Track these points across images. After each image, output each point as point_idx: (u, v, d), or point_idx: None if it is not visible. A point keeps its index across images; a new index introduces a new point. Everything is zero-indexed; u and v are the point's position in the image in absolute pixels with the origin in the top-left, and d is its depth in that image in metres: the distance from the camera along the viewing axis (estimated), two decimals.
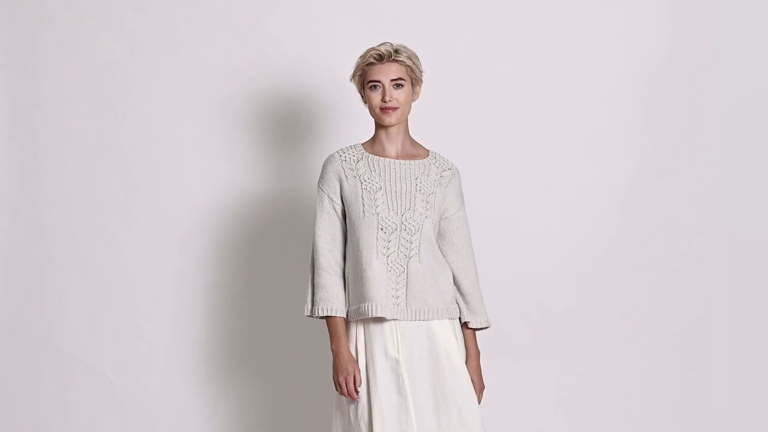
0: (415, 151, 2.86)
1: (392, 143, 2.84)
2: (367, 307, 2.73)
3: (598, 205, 3.86)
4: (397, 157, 2.83)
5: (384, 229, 2.77)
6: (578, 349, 3.89)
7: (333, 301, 2.79)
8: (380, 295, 2.74)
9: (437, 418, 2.74)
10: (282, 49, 3.86)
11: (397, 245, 2.77)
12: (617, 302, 3.89)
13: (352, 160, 2.84)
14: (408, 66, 2.77)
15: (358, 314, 2.77)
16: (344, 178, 2.83)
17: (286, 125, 3.86)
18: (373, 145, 2.87)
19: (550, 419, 3.91)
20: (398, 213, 2.77)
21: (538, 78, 3.83)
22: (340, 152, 2.87)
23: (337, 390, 2.78)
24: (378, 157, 2.83)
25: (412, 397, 2.72)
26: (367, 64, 2.78)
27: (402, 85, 2.77)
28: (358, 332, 2.80)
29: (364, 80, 2.80)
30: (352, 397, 2.75)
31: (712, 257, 3.87)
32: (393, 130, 2.83)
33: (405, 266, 2.77)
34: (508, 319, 3.89)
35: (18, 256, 4.05)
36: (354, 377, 2.75)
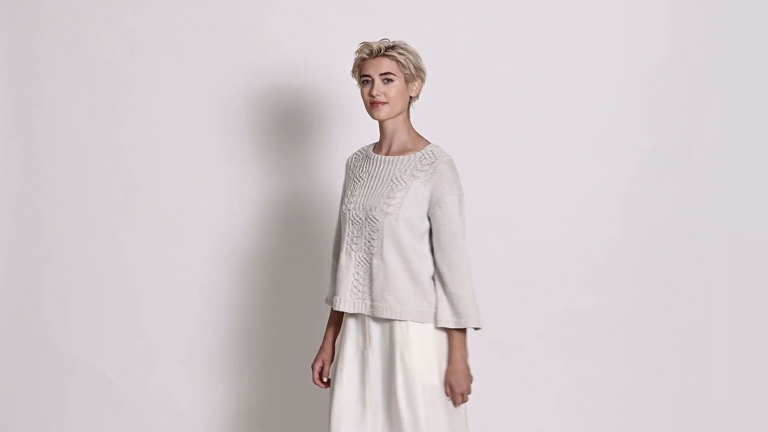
0: (411, 146, 2.82)
1: (386, 139, 2.84)
2: (334, 299, 2.83)
3: (598, 205, 3.86)
4: (388, 154, 2.83)
5: (354, 225, 2.80)
6: (578, 349, 3.89)
7: (329, 290, 2.95)
8: (344, 289, 2.81)
9: (389, 418, 2.76)
10: (282, 49, 3.85)
11: (363, 241, 2.79)
12: (617, 302, 3.89)
13: (358, 158, 2.90)
14: (399, 61, 2.76)
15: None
16: (348, 175, 2.92)
17: (286, 125, 3.86)
18: (377, 142, 2.90)
19: (550, 419, 3.91)
20: (366, 210, 2.78)
21: (538, 78, 3.83)
22: (357, 150, 2.94)
23: None
24: (374, 154, 2.85)
25: (371, 391, 2.78)
26: (361, 59, 2.79)
27: (392, 80, 2.76)
28: (342, 322, 2.91)
29: (356, 73, 2.82)
30: (317, 384, 2.95)
31: (712, 257, 3.87)
32: (386, 126, 2.82)
33: (369, 263, 2.77)
34: (508, 319, 3.89)
35: (18, 256, 4.05)
36: (322, 367, 2.94)
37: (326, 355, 2.95)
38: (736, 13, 3.77)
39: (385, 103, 2.76)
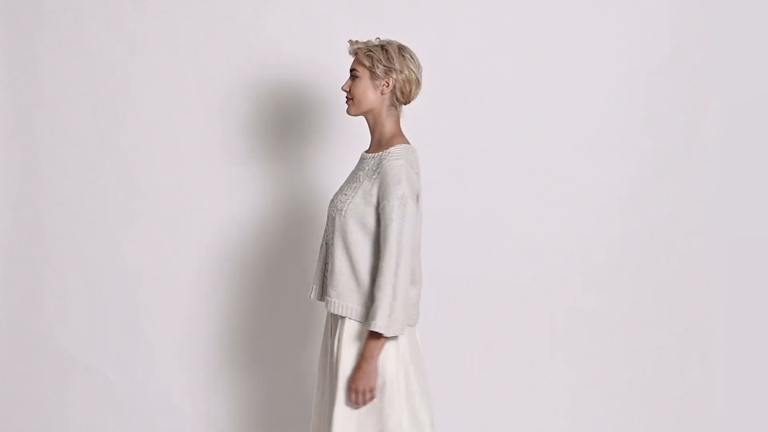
0: (383, 144, 2.83)
1: (370, 137, 2.89)
2: (311, 288, 2.95)
3: (598, 205, 3.86)
4: (368, 151, 2.88)
5: (327, 219, 2.89)
6: (578, 349, 3.90)
7: None
8: (317, 280, 2.93)
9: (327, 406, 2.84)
10: (282, 49, 3.85)
11: (326, 234, 2.88)
12: (617, 302, 3.89)
13: None
14: (360, 59, 2.79)
15: None
16: None
17: (287, 125, 3.86)
18: None
19: (550, 419, 3.91)
20: (330, 205, 2.87)
21: (538, 78, 3.83)
22: None
23: None
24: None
25: (325, 380, 2.88)
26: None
27: (357, 77, 2.80)
28: None
29: None
30: None
31: (712, 257, 3.87)
32: (367, 123, 2.88)
33: (327, 256, 2.87)
34: (508, 319, 3.89)
35: (18, 256, 4.05)
36: None
37: None
38: (736, 13, 3.77)
39: (349, 99, 2.82)
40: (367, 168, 2.79)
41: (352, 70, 2.82)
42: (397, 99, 2.82)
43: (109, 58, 3.93)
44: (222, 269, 3.95)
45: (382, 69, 2.77)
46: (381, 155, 2.77)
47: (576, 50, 3.83)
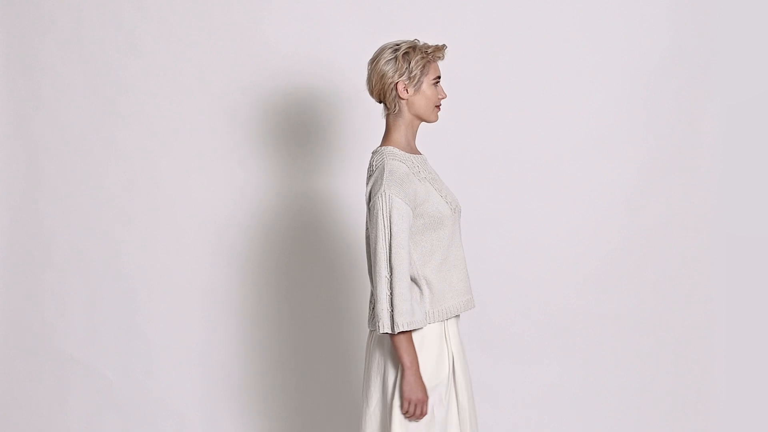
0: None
1: (414, 140, 2.70)
2: (470, 299, 2.77)
3: (598, 205, 3.85)
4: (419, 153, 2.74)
5: (458, 220, 2.74)
6: (578, 349, 3.89)
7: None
8: (470, 285, 2.79)
9: None
10: (282, 49, 3.85)
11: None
12: (617, 302, 3.89)
13: (413, 162, 2.66)
14: None
15: None
16: (417, 179, 2.65)
17: (286, 125, 3.86)
18: (403, 142, 2.66)
19: (551, 419, 3.91)
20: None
21: (538, 78, 3.82)
22: (396, 157, 2.63)
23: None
24: (419, 155, 2.70)
25: None
26: (434, 60, 2.62)
27: None
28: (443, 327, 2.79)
29: (424, 73, 2.61)
30: None
31: (712, 257, 3.87)
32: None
33: None
34: (508, 319, 3.89)
35: (18, 256, 4.05)
36: None
37: None
38: (736, 13, 3.77)
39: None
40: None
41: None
42: None
43: (109, 58, 3.93)
44: (222, 269, 3.95)
45: None
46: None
47: (576, 50, 3.82)
